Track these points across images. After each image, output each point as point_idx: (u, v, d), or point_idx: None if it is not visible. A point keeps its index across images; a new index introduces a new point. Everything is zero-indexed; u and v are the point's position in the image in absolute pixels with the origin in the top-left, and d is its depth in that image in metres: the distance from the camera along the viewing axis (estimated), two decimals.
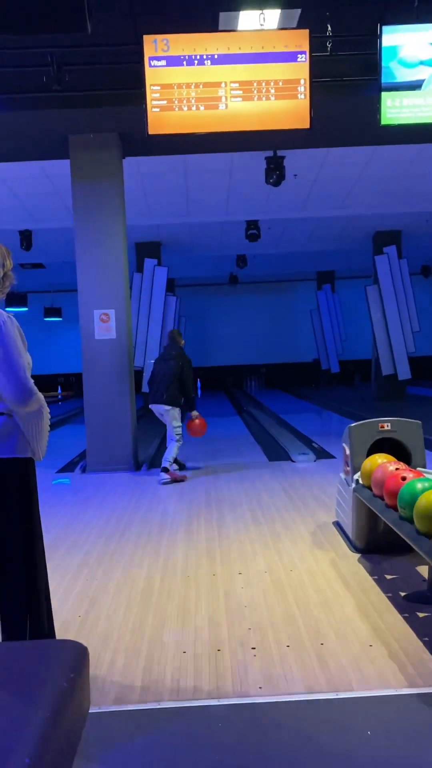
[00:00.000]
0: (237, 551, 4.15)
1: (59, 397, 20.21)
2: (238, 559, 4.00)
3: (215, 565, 3.90)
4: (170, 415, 6.43)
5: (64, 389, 20.87)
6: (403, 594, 3.30)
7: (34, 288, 18.71)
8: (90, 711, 1.78)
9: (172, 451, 6.43)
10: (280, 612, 3.16)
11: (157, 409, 6.52)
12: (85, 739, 1.65)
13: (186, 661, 2.70)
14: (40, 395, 2.41)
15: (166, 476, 6.31)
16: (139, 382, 9.91)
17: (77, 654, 1.67)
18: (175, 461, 6.79)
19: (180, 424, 6.51)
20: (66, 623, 3.14)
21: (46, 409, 2.47)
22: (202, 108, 5.31)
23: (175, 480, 6.33)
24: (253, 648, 2.80)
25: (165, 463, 6.37)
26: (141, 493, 5.98)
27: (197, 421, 6.74)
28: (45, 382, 19.77)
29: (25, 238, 11.21)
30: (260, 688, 2.48)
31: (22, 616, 2.40)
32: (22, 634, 2.38)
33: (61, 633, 3.00)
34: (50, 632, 2.53)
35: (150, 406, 6.63)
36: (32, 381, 2.38)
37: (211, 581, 3.63)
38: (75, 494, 6.26)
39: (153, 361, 12.49)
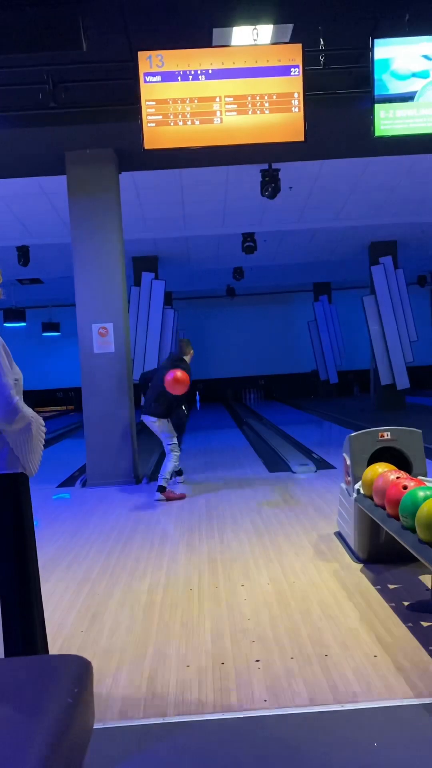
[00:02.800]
0: (239, 563, 4.13)
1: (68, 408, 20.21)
2: (241, 571, 3.98)
3: (218, 577, 3.89)
4: (157, 427, 6.23)
5: (64, 404, 20.85)
6: (406, 604, 3.28)
7: (32, 303, 18.76)
8: (94, 726, 1.77)
9: (169, 465, 6.20)
10: (284, 624, 3.14)
11: (146, 419, 6.31)
12: (90, 754, 1.63)
13: (190, 675, 2.68)
14: (27, 412, 2.39)
15: (161, 495, 6.12)
16: (138, 396, 9.88)
17: (81, 669, 1.65)
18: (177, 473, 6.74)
19: (174, 438, 6.31)
20: (69, 638, 3.11)
21: (37, 424, 2.46)
22: (197, 122, 5.36)
23: (170, 499, 6.11)
24: (257, 661, 2.78)
25: (161, 481, 6.16)
26: (142, 507, 5.96)
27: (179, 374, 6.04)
28: (44, 397, 19.84)
29: (23, 253, 11.25)
30: (265, 701, 2.46)
31: (19, 631, 2.40)
32: (18, 649, 2.38)
33: (64, 648, 2.99)
34: (44, 647, 2.52)
35: (141, 417, 6.46)
36: (18, 399, 2.36)
37: (213, 594, 3.61)
38: (75, 509, 6.24)
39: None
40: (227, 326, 21.40)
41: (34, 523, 2.56)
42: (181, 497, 6.21)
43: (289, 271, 16.61)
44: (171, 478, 6.33)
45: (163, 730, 2.31)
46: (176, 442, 6.35)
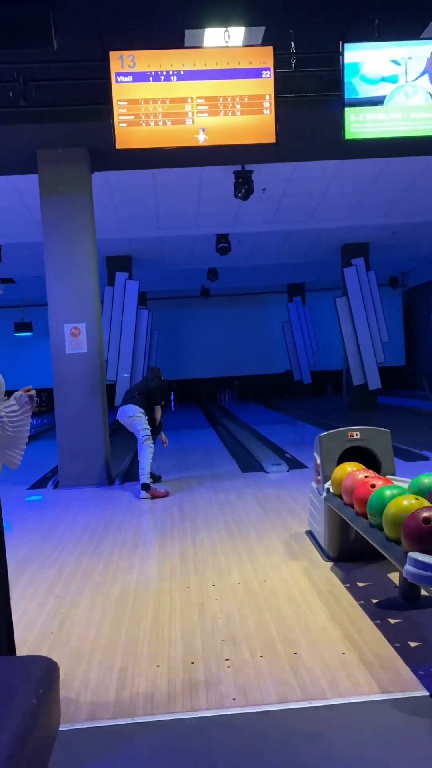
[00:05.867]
0: (211, 563, 4.14)
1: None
2: (212, 571, 3.99)
3: (189, 577, 3.89)
4: (134, 421, 6.32)
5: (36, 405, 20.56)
6: (374, 601, 3.32)
7: (4, 303, 18.56)
8: (61, 728, 1.76)
9: (146, 459, 6.24)
10: (254, 623, 3.16)
11: (126, 411, 6.38)
12: (58, 755, 1.63)
13: (160, 675, 2.69)
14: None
15: (146, 493, 6.15)
16: (111, 397, 9.82)
17: (47, 669, 1.65)
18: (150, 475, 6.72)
19: (148, 432, 6.36)
20: (38, 640, 3.09)
21: (10, 417, 2.50)
22: (169, 123, 5.37)
23: (156, 497, 6.14)
24: (227, 660, 2.79)
25: (143, 479, 6.21)
26: (114, 508, 5.94)
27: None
28: None
29: None
30: (234, 699, 2.48)
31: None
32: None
33: (33, 650, 2.97)
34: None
35: (120, 410, 6.53)
36: None
37: (185, 594, 3.62)
38: (47, 510, 6.19)
39: (127, 375, 12.52)
40: (202, 327, 21.41)
41: (8, 526, 2.55)
42: (166, 494, 6.21)
43: (263, 273, 16.69)
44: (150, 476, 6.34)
45: (132, 730, 2.31)
46: (150, 435, 6.39)
